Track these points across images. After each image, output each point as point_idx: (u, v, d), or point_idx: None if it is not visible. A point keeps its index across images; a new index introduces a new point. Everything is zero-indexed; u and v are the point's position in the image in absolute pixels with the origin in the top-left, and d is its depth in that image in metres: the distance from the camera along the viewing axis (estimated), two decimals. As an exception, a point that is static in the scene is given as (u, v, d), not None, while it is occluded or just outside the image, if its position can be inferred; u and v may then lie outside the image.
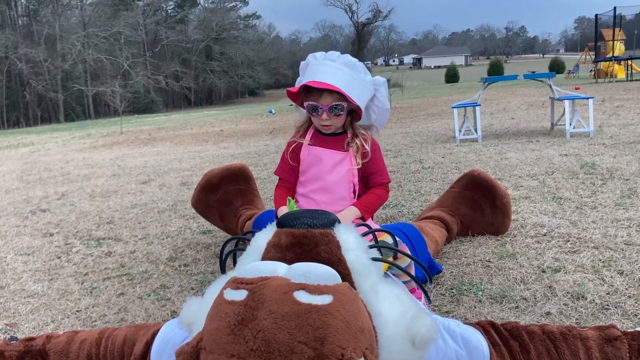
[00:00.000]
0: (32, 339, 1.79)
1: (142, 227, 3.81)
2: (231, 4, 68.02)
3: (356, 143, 2.07)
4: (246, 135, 10.98)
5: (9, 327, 2.24)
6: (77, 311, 2.35)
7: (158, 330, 1.67)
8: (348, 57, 2.05)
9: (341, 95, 1.95)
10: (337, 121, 2.03)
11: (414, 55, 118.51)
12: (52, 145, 14.05)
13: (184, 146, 9.91)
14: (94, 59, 48.78)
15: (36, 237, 3.78)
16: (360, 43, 56.91)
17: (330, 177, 2.09)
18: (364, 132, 2.10)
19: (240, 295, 1.19)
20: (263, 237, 1.48)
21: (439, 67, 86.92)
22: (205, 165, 6.83)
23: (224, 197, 3.04)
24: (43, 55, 45.92)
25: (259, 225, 2.40)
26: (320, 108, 1.97)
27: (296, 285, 1.18)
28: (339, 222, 1.48)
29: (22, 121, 45.82)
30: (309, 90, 2.00)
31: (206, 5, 66.74)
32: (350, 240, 1.42)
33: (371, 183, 2.13)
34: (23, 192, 5.91)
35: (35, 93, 47.55)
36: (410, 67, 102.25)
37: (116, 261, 3.04)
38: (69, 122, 41.18)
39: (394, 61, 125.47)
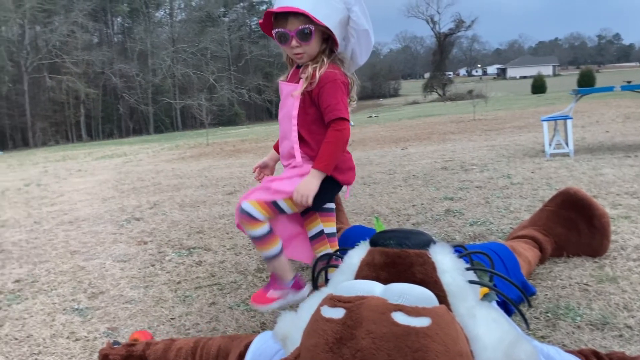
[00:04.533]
0: (133, 344, 1.89)
1: (230, 237, 3.93)
2: (312, 18, 69.24)
3: (308, 70, 1.90)
4: (327, 148, 11.07)
5: (110, 331, 2.37)
6: (171, 319, 2.45)
7: (251, 342, 1.71)
8: None
9: (308, 18, 1.83)
10: (308, 48, 1.89)
11: (498, 66, 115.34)
12: (143, 155, 14.84)
13: (267, 158, 10.13)
14: (182, 73, 51.13)
15: (131, 245, 3.99)
16: (442, 54, 55.94)
17: (281, 113, 1.99)
18: (325, 61, 1.91)
19: (337, 313, 1.20)
20: (356, 255, 1.49)
21: (524, 77, 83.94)
22: (287, 177, 6.95)
23: (309, 210, 3.07)
24: (135, 70, 48.75)
25: (345, 240, 2.40)
26: (289, 34, 1.87)
27: (394, 306, 1.17)
28: (434, 242, 1.46)
29: (116, 132, 48.84)
30: (276, 19, 1.91)
31: (288, 19, 68.34)
32: (446, 262, 1.40)
33: (325, 122, 1.94)
34: (118, 201, 6.27)
35: (127, 106, 50.50)
36: (494, 78, 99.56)
37: (206, 270, 3.15)
38: (158, 134, 43.38)
39: (476, 72, 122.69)
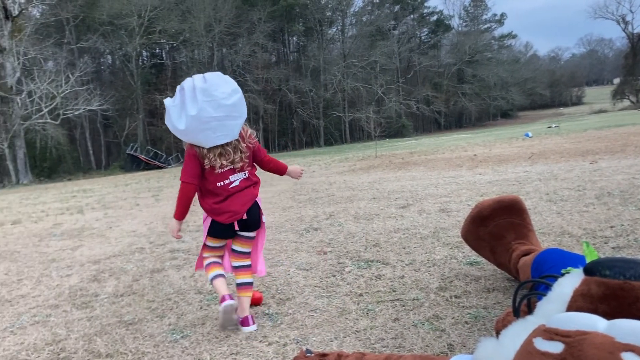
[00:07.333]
0: (325, 354, 1.94)
1: (407, 252, 3.90)
2: (485, 26, 67.00)
3: None
4: (502, 161, 10.57)
5: (299, 339, 2.48)
6: (356, 331, 2.49)
7: (444, 364, 1.66)
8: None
9: None
10: None
11: None
12: (316, 167, 15.50)
13: (438, 171, 9.96)
14: (352, 87, 52.65)
15: (312, 254, 4.16)
16: (636, 56, 50.42)
17: None
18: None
19: (555, 347, 1.11)
20: (568, 284, 1.37)
21: None
22: (462, 191, 6.75)
23: (495, 230, 2.93)
24: (308, 86, 51.34)
25: (542, 264, 2.24)
26: None
27: (623, 346, 1.05)
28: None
29: (289, 145, 51.87)
30: None
31: (459, 29, 66.88)
32: (683, 298, 1.22)
33: None
34: (297, 211, 6.60)
35: (300, 120, 53.36)
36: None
37: (387, 285, 3.16)
38: (328, 146, 45.15)
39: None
